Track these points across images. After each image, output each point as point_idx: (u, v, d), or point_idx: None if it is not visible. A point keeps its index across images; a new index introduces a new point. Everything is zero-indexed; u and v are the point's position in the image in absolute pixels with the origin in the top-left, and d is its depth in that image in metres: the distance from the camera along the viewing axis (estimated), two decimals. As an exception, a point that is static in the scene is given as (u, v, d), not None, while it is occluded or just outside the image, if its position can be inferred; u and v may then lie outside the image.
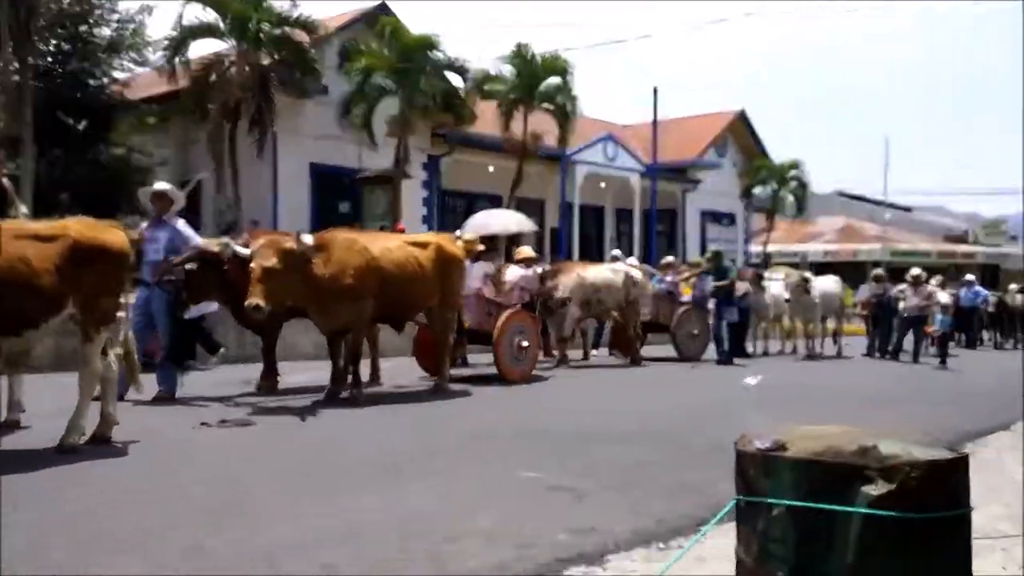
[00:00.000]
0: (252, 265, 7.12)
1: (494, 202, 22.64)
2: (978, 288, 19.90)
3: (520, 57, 20.25)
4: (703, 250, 30.24)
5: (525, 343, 9.45)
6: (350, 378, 7.88)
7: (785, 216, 33.69)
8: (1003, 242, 42.85)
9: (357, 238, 7.91)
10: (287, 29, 16.60)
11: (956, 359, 16.41)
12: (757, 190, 30.23)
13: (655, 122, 25.39)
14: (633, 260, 13.93)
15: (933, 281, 17.70)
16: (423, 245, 8.44)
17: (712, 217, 30.85)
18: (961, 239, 43.25)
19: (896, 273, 20.25)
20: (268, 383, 8.20)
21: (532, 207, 25.81)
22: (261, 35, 15.69)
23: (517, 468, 5.35)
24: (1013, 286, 24.54)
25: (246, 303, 6.92)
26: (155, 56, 16.96)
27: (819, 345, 15.61)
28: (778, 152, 33.66)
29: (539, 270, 11.05)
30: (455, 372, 9.84)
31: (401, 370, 9.92)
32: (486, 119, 21.18)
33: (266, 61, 16.67)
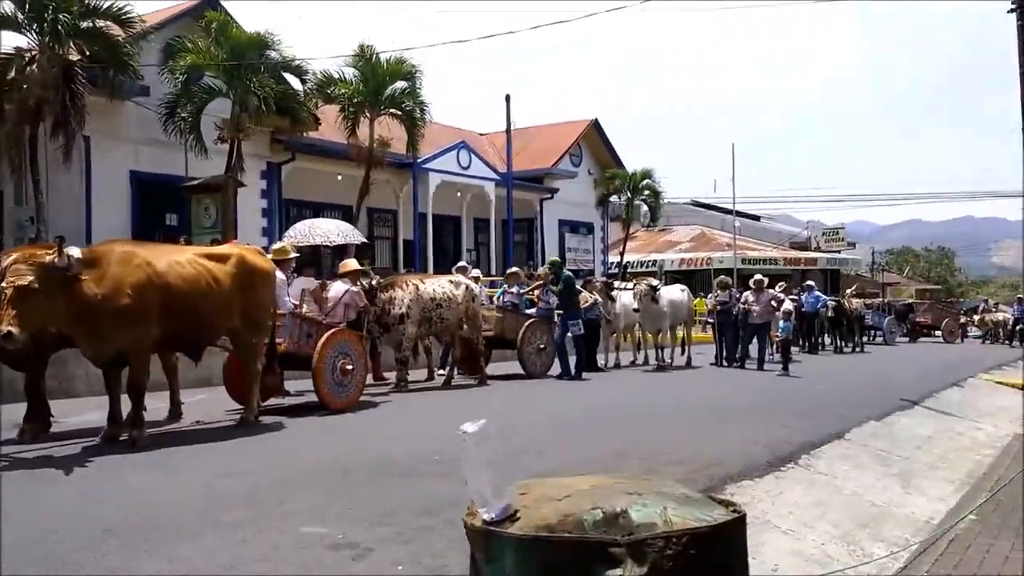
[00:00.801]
0: (3, 285, 5.96)
1: (343, 212, 21.61)
2: (818, 293, 20.41)
3: (363, 59, 19.31)
4: (561, 261, 30.15)
5: (350, 366, 8.53)
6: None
7: (641, 225, 34.17)
8: (842, 248, 45.10)
9: (137, 250, 6.81)
10: (98, 22, 15.04)
11: (799, 364, 16.66)
12: (613, 199, 30.40)
13: (508, 130, 25.03)
14: (476, 272, 13.24)
15: (777, 287, 17.99)
16: (222, 258, 7.41)
17: (570, 227, 30.79)
18: (804, 246, 45.22)
19: (747, 280, 20.53)
20: (34, 427, 6.95)
21: (384, 217, 24.93)
22: (61, 27, 14.05)
23: (304, 520, 4.55)
24: (850, 291, 25.59)
25: (-6, 331, 5.76)
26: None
27: (668, 355, 15.44)
28: (638, 162, 34.15)
29: (368, 284, 10.18)
30: (274, 402, 8.85)
31: (218, 403, 8.83)
32: (333, 125, 20.14)
33: (75, 57, 15.04)
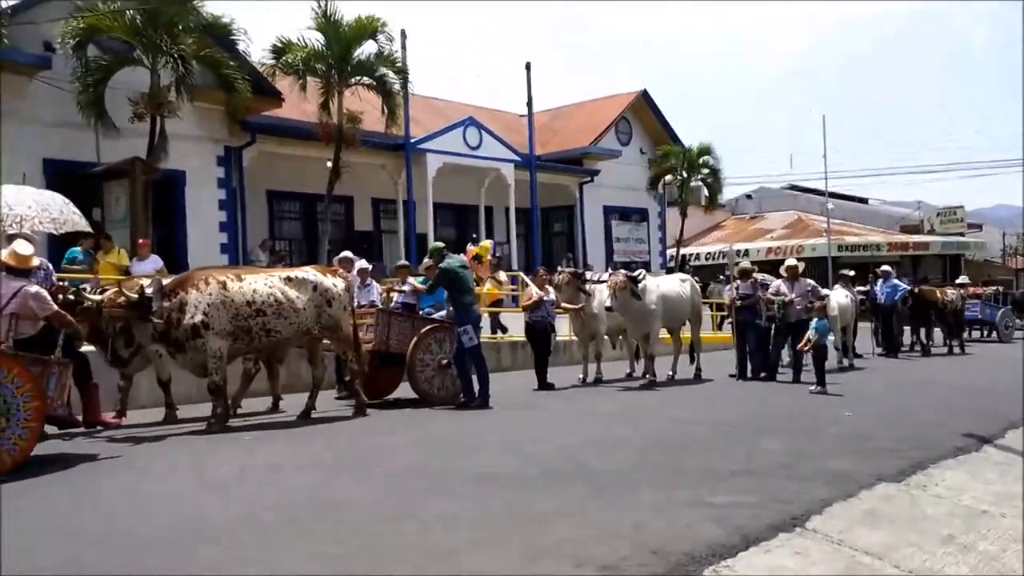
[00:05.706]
0: None
1: (337, 202, 18.94)
2: (896, 281, 16.03)
3: (325, 19, 16.38)
4: (609, 253, 26.49)
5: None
6: None
7: (710, 207, 30.02)
8: (964, 231, 39.24)
9: None
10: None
11: (860, 372, 12.81)
12: (668, 179, 26.50)
13: (529, 101, 21.75)
14: (361, 264, 10.01)
15: (837, 276, 13.95)
16: None
17: (619, 214, 27.07)
18: (916, 229, 39.64)
19: (853, 269, 16.84)
20: None
21: (389, 208, 21.97)
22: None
23: None
24: (961, 279, 20.91)
25: None
26: None
27: (671, 366, 11.79)
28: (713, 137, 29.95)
29: (141, 288, 7.10)
30: None
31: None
32: (304, 100, 17.35)
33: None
